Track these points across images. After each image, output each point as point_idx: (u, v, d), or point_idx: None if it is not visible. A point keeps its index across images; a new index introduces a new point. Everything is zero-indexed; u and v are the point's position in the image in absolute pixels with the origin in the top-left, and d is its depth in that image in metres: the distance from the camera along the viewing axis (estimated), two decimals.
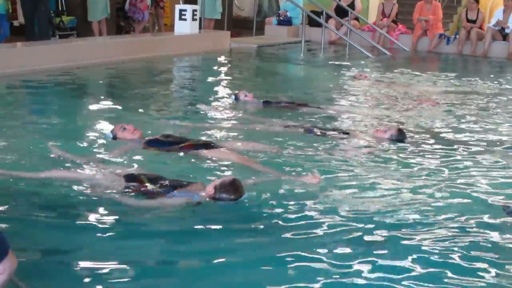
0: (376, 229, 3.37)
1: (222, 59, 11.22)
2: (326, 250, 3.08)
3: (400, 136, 5.32)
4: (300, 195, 3.86)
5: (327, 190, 3.97)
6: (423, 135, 5.63)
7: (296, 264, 2.96)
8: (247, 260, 3.03)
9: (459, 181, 4.31)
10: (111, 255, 3.01)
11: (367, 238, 3.28)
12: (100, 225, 3.33)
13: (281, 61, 11.94)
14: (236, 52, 12.03)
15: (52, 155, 4.44)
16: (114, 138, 4.88)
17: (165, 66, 9.89)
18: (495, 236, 3.40)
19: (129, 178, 3.87)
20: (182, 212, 3.56)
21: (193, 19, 11.43)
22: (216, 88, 8.13)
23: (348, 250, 3.12)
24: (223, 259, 3.00)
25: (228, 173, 4.22)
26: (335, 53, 13.15)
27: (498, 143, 5.54)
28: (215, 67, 10.59)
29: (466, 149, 5.21)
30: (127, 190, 3.75)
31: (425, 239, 3.29)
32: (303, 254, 3.04)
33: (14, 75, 7.60)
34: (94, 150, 4.70)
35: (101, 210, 3.52)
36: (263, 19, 15.56)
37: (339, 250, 3.10)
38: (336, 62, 11.68)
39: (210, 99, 7.10)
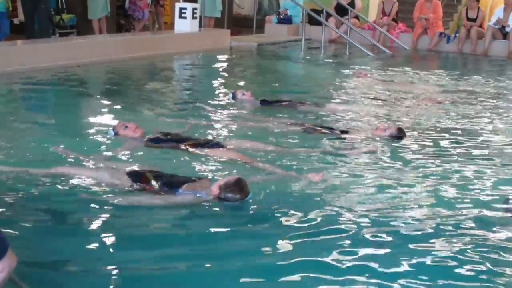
0: (376, 229, 3.37)
1: (222, 57, 11.22)
2: (328, 250, 3.09)
3: (399, 135, 5.33)
4: (304, 193, 3.87)
5: (328, 188, 3.97)
6: (422, 133, 5.63)
7: (300, 263, 2.95)
8: (249, 260, 3.02)
9: (459, 179, 4.31)
10: (112, 254, 3.02)
11: (367, 237, 3.28)
12: (103, 225, 3.33)
13: (281, 60, 11.94)
14: (236, 50, 12.02)
15: (53, 152, 4.45)
16: (116, 136, 4.90)
17: (165, 65, 9.90)
18: (495, 234, 3.41)
19: (134, 175, 3.86)
20: (188, 211, 3.55)
21: (193, 18, 11.43)
22: (216, 87, 8.14)
23: (348, 249, 3.12)
24: (227, 260, 3.00)
25: (233, 172, 4.19)
26: (335, 51, 13.15)
27: (498, 141, 5.54)
28: (215, 66, 10.59)
29: (466, 148, 5.21)
30: (132, 188, 3.75)
31: (425, 238, 3.29)
32: (305, 253, 3.05)
33: (15, 73, 7.60)
34: (96, 147, 4.71)
35: (106, 208, 3.52)
36: (263, 18, 15.56)
37: (339, 250, 3.10)
38: (336, 61, 11.68)
39: (209, 97, 7.10)
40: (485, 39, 13.10)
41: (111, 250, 3.09)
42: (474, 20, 13.35)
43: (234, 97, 6.81)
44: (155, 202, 3.63)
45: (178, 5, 11.55)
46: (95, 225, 3.33)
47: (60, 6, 11.42)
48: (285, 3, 15.00)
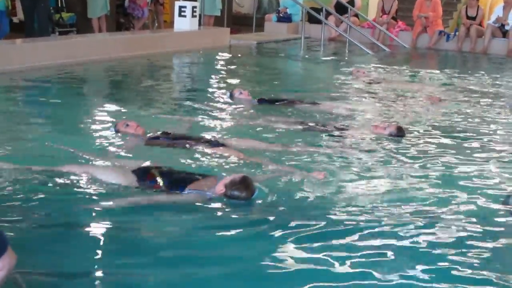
0: (380, 229, 3.37)
1: (221, 56, 11.21)
2: (332, 249, 3.10)
3: (399, 133, 5.33)
4: (307, 192, 3.87)
5: (331, 187, 3.97)
6: (422, 132, 5.64)
7: (303, 262, 2.96)
8: (251, 261, 3.01)
9: (459, 177, 4.32)
10: (114, 257, 3.00)
11: (370, 236, 3.28)
12: (107, 224, 3.32)
13: (280, 58, 11.94)
14: (236, 48, 12.02)
15: (53, 150, 4.44)
16: (117, 134, 4.91)
17: (164, 63, 9.89)
18: (495, 233, 3.41)
19: (140, 172, 3.85)
20: (192, 211, 3.53)
21: (193, 16, 11.43)
22: (215, 85, 8.13)
23: (352, 248, 3.13)
24: (230, 261, 2.99)
25: (236, 170, 4.16)
26: (335, 50, 13.14)
27: (498, 140, 5.55)
28: (215, 64, 10.59)
29: (466, 146, 5.22)
30: (138, 186, 3.74)
31: (425, 238, 3.29)
32: (309, 253, 3.05)
33: (14, 72, 7.60)
34: (96, 146, 4.71)
35: (109, 209, 3.51)
36: (263, 16, 15.56)
37: (339, 250, 3.10)
38: (336, 59, 11.68)
39: (209, 96, 7.10)
40: (484, 38, 13.11)
41: (114, 252, 3.07)
42: (473, 18, 13.35)
43: (231, 96, 6.80)
44: (161, 201, 3.61)
45: (177, 4, 11.55)
46: (98, 225, 3.32)
47: (59, 5, 11.42)
48: (284, 2, 15.00)
